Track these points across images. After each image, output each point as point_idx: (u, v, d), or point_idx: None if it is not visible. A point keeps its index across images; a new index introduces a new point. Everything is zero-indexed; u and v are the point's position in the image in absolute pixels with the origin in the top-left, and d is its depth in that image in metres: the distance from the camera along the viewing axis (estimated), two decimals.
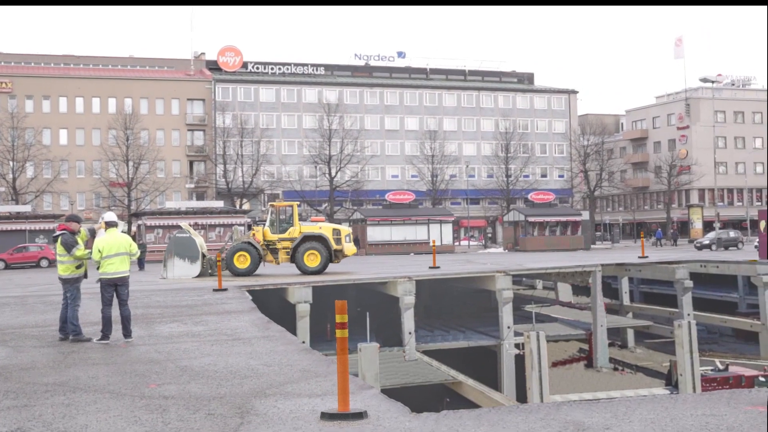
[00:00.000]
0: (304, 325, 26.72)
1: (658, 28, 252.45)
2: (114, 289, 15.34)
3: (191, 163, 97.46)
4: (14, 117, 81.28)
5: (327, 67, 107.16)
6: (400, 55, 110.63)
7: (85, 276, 15.61)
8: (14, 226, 61.20)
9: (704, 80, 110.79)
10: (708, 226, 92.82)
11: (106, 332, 15.16)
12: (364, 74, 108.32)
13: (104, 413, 9.32)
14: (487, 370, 34.41)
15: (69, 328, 15.25)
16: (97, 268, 15.26)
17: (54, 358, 13.39)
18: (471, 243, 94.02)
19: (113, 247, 15.25)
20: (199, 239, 35.18)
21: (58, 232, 15.41)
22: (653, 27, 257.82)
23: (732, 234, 68.92)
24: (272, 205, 36.03)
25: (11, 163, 79.51)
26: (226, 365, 12.50)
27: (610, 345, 37.97)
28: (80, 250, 15.25)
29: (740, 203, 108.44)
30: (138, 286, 30.02)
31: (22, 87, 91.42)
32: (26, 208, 67.42)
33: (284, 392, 10.37)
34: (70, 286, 15.40)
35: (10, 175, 78.97)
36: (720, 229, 76.69)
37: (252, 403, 9.71)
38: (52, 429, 8.64)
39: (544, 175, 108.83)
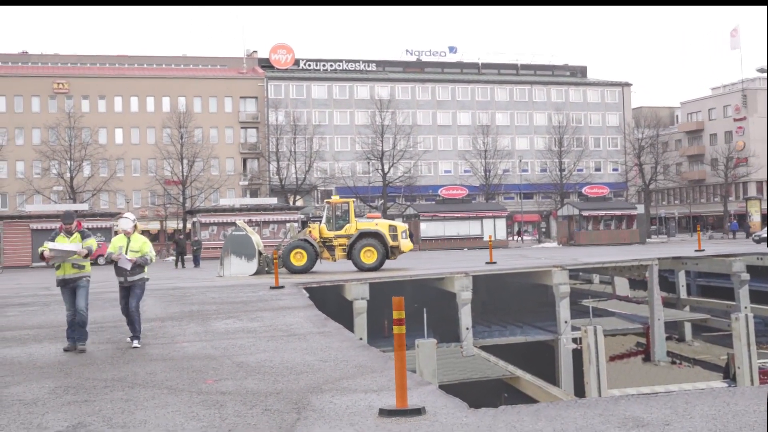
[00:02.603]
0: (361, 321, 26.69)
1: (714, 18, 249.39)
2: None
3: (245, 161, 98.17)
4: (71, 117, 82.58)
5: (378, 63, 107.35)
6: (452, 50, 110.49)
7: (67, 277, 14.17)
8: None
9: (761, 70, 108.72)
10: (766, 218, 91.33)
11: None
12: (415, 70, 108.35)
13: (162, 408, 9.37)
14: (545, 365, 34.19)
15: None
16: (144, 270, 14.78)
17: (112, 354, 13.51)
18: (525, 238, 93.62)
19: None
20: (255, 237, 35.28)
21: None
22: (708, 17, 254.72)
23: None
24: (328, 202, 36.05)
25: (69, 162, 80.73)
26: (282, 361, 12.51)
27: (667, 338, 37.58)
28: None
29: None
30: (194, 283, 30.32)
31: (78, 87, 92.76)
32: (83, 207, 68.27)
33: (340, 388, 10.35)
34: None
35: (68, 174, 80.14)
36: None
37: (308, 399, 9.69)
38: (111, 424, 8.71)
39: (598, 169, 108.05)
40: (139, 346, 14.23)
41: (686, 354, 38.74)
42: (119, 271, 14.48)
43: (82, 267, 14.07)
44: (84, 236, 14.08)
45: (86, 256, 13.97)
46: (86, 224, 61.16)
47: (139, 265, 14.43)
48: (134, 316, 14.45)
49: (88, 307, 14.35)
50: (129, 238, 14.47)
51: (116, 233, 14.84)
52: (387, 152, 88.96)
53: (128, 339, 14.62)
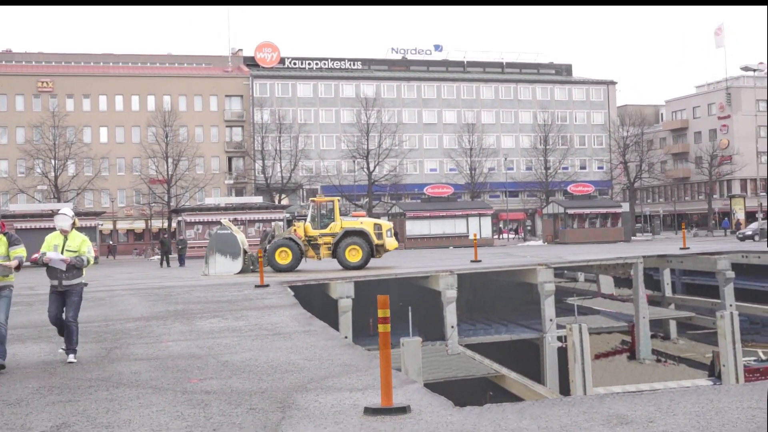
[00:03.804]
0: (346, 320, 26.65)
1: (698, 16, 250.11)
2: None
3: (230, 159, 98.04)
4: (55, 116, 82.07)
5: (364, 61, 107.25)
6: (437, 48, 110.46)
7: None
8: None
9: (745, 69, 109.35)
10: (750, 216, 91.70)
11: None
12: (401, 68, 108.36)
13: (147, 408, 9.35)
14: (530, 364, 34.21)
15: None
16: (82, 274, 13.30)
17: (97, 354, 13.45)
18: (510, 236, 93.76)
19: None
20: (240, 235, 35.25)
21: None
22: (693, 15, 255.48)
23: None
24: (313, 201, 36.06)
25: (53, 161, 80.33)
26: (267, 360, 12.50)
27: (652, 336, 37.65)
28: None
29: None
30: (179, 282, 30.24)
31: (62, 86, 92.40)
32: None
33: (325, 386, 10.35)
34: None
35: (52, 173, 79.75)
36: (763, 219, 75.69)
37: (293, 398, 9.69)
38: (95, 424, 8.68)
39: (583, 167, 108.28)
40: (75, 360, 12.71)
41: (671, 352, 38.84)
42: (52, 273, 12.86)
43: (6, 274, 12.41)
44: (11, 241, 12.43)
45: (17, 267, 12.38)
46: None
47: (75, 267, 12.84)
48: (72, 327, 12.84)
49: (8, 319, 12.54)
50: (66, 237, 12.93)
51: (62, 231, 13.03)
52: (372, 150, 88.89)
53: (61, 350, 13.18)
